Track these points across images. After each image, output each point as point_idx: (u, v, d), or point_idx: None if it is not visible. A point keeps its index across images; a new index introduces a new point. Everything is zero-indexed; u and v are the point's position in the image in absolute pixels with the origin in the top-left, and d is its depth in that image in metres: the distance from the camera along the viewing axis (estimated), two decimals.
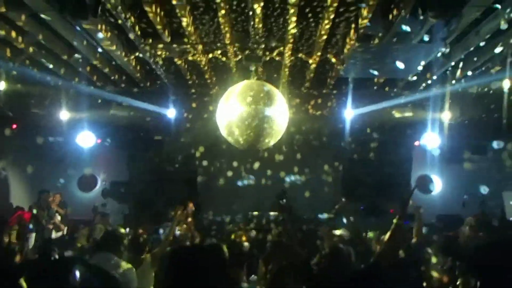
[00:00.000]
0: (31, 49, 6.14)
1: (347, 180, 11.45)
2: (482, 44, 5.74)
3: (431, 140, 8.94)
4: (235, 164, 11.82)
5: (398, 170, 11.01)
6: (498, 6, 4.75)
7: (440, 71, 6.84)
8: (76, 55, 6.46)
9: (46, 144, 10.21)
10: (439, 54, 5.86)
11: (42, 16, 4.97)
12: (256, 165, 11.74)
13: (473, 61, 6.38)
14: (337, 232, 5.78)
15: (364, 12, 5.04)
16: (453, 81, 7.20)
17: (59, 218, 9.62)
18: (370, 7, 4.87)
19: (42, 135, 10.02)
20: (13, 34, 5.57)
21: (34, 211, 9.33)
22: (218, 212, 10.54)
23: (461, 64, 6.69)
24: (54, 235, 8.81)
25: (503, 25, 4.96)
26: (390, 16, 5.18)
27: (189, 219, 6.34)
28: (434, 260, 4.50)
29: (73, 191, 12.02)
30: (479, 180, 10.45)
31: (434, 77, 7.20)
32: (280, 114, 5.62)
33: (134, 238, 5.29)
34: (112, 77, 7.66)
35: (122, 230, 5.19)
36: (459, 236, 6.93)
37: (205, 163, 12.08)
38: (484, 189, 10.13)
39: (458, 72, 6.89)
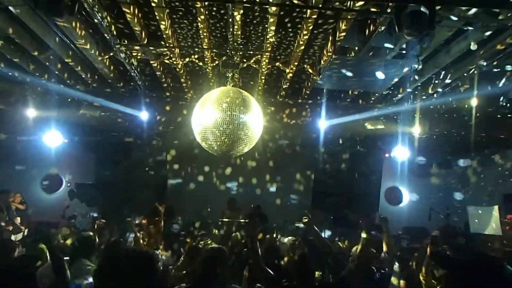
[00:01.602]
0: None
1: (318, 189, 11.56)
2: (452, 62, 5.96)
3: (401, 153, 9.15)
4: (206, 169, 11.75)
5: (368, 181, 11.21)
6: (469, 28, 4.93)
7: (412, 86, 7.03)
8: (47, 53, 6.24)
9: (9, 141, 9.82)
10: (411, 70, 6.01)
11: (13, 10, 4.80)
12: (228, 170, 11.71)
13: (444, 78, 6.59)
14: (285, 239, 5.88)
15: (342, 26, 5.12)
16: (424, 97, 7.41)
17: (19, 219, 9.25)
18: (348, 21, 4.96)
19: (6, 132, 9.63)
20: None
21: None
22: (188, 217, 10.39)
23: (432, 81, 6.90)
24: (13, 237, 8.43)
25: (473, 46, 5.15)
26: (367, 31, 5.29)
27: (157, 225, 6.22)
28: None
29: (36, 192, 11.61)
30: (445, 193, 10.81)
31: (406, 92, 7.39)
32: (255, 121, 5.61)
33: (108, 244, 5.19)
34: (84, 76, 7.44)
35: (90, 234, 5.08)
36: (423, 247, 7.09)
37: (176, 167, 11.94)
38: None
39: (429, 89, 7.11)
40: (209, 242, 5.65)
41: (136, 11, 5.09)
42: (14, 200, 9.63)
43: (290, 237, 6.02)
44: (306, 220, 4.85)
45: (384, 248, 4.91)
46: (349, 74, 6.11)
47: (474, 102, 6.58)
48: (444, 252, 5.20)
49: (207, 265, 3.32)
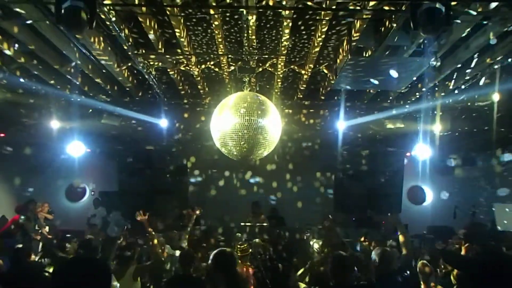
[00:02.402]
0: (22, 59, 6.08)
1: (339, 190, 11.48)
2: (472, 57, 5.85)
3: (422, 151, 9.02)
4: (226, 173, 11.81)
5: (390, 181, 11.07)
6: (487, 22, 4.84)
7: (431, 83, 6.93)
8: (69, 65, 6.41)
9: (35, 153, 10.10)
10: (430, 67, 5.93)
11: (35, 25, 4.96)
12: (248, 174, 11.75)
13: (463, 74, 6.48)
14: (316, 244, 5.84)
15: (357, 26, 5.10)
16: (444, 94, 7.29)
17: (47, 228, 9.50)
18: (363, 20, 4.94)
19: (31, 144, 9.92)
20: (5, 44, 5.52)
21: (21, 221, 9.20)
22: (211, 222, 10.47)
23: (452, 77, 6.79)
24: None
25: (492, 40, 5.06)
26: (382, 30, 5.26)
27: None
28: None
29: (61, 201, 11.88)
30: (469, 191, 10.58)
31: (425, 89, 7.28)
32: (274, 125, 5.64)
33: (121, 251, 5.28)
34: (104, 87, 7.61)
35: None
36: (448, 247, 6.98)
37: (196, 173, 12.05)
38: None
39: (449, 85, 6.99)
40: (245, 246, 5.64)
41: (152, 21, 5.19)
42: (42, 210, 9.90)
43: (317, 240, 5.99)
44: (328, 224, 4.86)
45: (403, 251, 4.81)
46: (366, 73, 6.07)
47: (496, 97, 6.44)
48: (455, 251, 5.10)
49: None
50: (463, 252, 4.34)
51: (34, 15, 4.62)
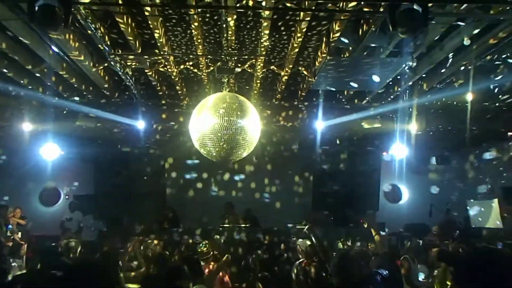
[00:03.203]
0: None
1: (317, 190, 11.57)
2: (446, 58, 5.98)
3: (399, 151, 9.17)
4: (205, 175, 11.72)
5: (367, 180, 11.23)
6: (461, 23, 4.96)
7: (407, 84, 7.05)
8: (42, 66, 6.22)
9: (6, 156, 9.78)
10: (406, 68, 6.03)
11: (5, 24, 4.79)
12: (226, 176, 11.69)
13: (438, 74, 6.62)
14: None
15: (335, 27, 5.14)
16: (420, 94, 7.44)
17: (19, 234, 9.20)
18: (341, 21, 4.98)
19: (2, 147, 9.60)
20: None
21: None
22: (189, 225, 10.36)
23: (427, 77, 6.93)
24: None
25: (466, 41, 5.18)
26: (360, 31, 5.31)
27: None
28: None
29: (34, 206, 11.54)
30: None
31: (402, 90, 7.41)
32: (253, 126, 5.61)
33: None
34: (79, 88, 7.42)
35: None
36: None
37: (174, 174, 11.91)
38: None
39: (424, 85, 7.14)
40: (203, 248, 5.63)
41: (130, 21, 5.09)
42: (14, 215, 9.58)
43: (302, 240, 5.98)
44: (308, 226, 4.90)
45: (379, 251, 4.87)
46: (344, 74, 6.13)
47: (469, 96, 6.61)
48: (450, 250, 5.22)
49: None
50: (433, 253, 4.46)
51: (5, 13, 4.46)
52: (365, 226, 5.24)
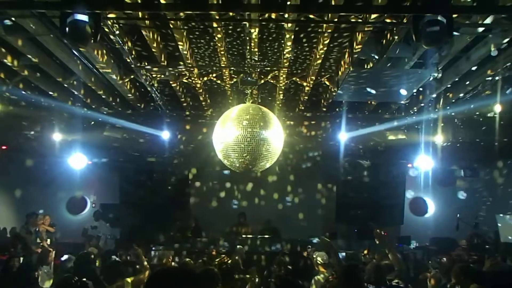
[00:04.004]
0: (26, 71, 6.12)
1: (341, 201, 11.43)
2: (473, 69, 5.88)
3: (424, 162, 9.00)
4: (227, 185, 11.79)
5: (391, 192, 11.03)
6: (487, 34, 4.87)
7: (432, 94, 6.95)
8: (72, 78, 6.45)
9: (36, 166, 10.10)
10: (431, 79, 5.95)
11: (38, 39, 5.00)
12: (249, 186, 11.72)
13: (465, 85, 6.50)
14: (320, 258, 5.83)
15: (358, 38, 5.13)
16: (445, 105, 7.31)
17: (48, 241, 9.44)
18: (364, 33, 4.97)
19: (33, 157, 9.92)
20: (9, 57, 5.56)
21: (22, 234, 9.16)
22: (212, 234, 10.43)
23: (453, 88, 6.81)
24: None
25: (493, 52, 5.08)
26: (384, 42, 5.29)
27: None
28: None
29: (62, 214, 11.83)
30: (472, 202, 10.52)
31: (427, 101, 7.30)
32: (276, 137, 5.64)
33: (108, 264, 5.25)
34: (107, 99, 7.64)
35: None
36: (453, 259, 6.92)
37: (198, 184, 12.03)
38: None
39: (450, 96, 7.01)
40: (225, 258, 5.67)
41: (155, 34, 5.23)
42: (44, 222, 9.86)
43: (319, 253, 5.95)
44: (326, 242, 4.92)
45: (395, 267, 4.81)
46: (367, 85, 6.09)
47: (497, 108, 6.45)
48: (475, 267, 5.08)
49: None
50: (486, 267, 4.34)
51: (38, 29, 4.66)
52: (377, 242, 5.19)
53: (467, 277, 4.36)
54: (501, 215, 9.37)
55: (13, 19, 4.39)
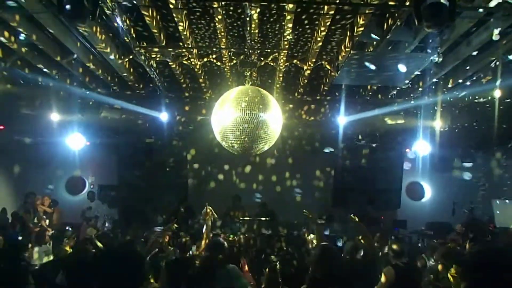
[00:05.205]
0: (23, 50, 6.06)
1: (338, 185, 11.49)
2: (473, 54, 5.84)
3: (422, 148, 9.02)
4: (226, 167, 11.81)
5: (389, 177, 11.09)
6: (489, 18, 4.83)
7: (432, 79, 6.92)
8: (69, 57, 6.39)
9: (34, 145, 10.08)
10: (431, 63, 5.92)
11: (35, 16, 4.93)
12: (248, 169, 11.75)
13: (465, 70, 6.48)
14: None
15: (360, 21, 5.08)
16: (445, 90, 7.29)
17: (47, 222, 9.49)
18: (366, 15, 4.92)
19: (31, 136, 9.89)
20: (6, 34, 5.49)
21: (20, 214, 9.20)
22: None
23: (453, 73, 6.78)
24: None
25: (495, 37, 5.04)
26: (385, 25, 5.24)
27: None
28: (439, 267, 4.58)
29: (61, 194, 11.87)
30: (468, 188, 10.60)
31: (426, 85, 7.28)
32: (275, 120, 5.63)
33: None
34: (105, 80, 7.59)
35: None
36: (448, 243, 7.01)
37: (196, 166, 12.05)
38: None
39: (450, 81, 6.99)
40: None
41: (155, 14, 5.16)
42: (43, 203, 9.89)
43: (313, 236, 6.04)
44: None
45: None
46: (368, 69, 6.06)
47: (497, 93, 6.44)
48: (457, 249, 5.17)
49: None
50: (467, 249, 4.42)
51: (35, 6, 4.60)
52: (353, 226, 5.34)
53: (448, 259, 4.45)
54: (497, 200, 9.46)
55: None
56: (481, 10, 4.44)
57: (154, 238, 5.46)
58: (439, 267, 4.59)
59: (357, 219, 5.09)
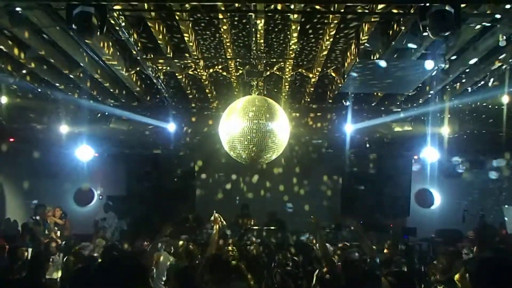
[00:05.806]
0: (32, 64, 6.15)
1: (346, 193, 11.43)
2: (480, 60, 5.82)
3: (430, 154, 8.96)
4: (233, 177, 11.81)
5: (398, 184, 11.01)
6: (496, 24, 4.82)
7: (439, 86, 6.90)
8: (78, 70, 6.47)
9: (43, 158, 10.17)
10: (438, 70, 5.90)
11: (44, 31, 5.01)
12: (255, 178, 11.74)
13: (472, 76, 6.45)
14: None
15: (365, 29, 5.10)
16: (452, 96, 7.26)
17: (58, 233, 9.53)
18: (371, 23, 4.93)
19: (40, 149, 9.99)
20: (15, 50, 5.58)
21: (30, 225, 9.26)
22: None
23: (460, 79, 6.76)
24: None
25: (501, 42, 5.02)
26: (390, 32, 5.25)
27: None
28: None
29: (69, 205, 11.93)
30: (478, 194, 10.49)
31: (433, 92, 7.25)
32: (282, 129, 5.64)
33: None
34: (113, 92, 7.67)
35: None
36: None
37: (203, 176, 12.07)
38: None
39: (457, 87, 6.96)
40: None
41: (161, 26, 5.23)
42: (54, 214, 9.94)
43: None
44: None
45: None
46: (374, 77, 6.06)
47: (505, 99, 6.40)
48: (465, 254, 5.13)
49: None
50: (473, 253, 4.36)
51: (44, 21, 4.67)
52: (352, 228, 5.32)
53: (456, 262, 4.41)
54: (507, 206, 9.35)
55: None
56: (488, 12, 4.42)
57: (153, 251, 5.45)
58: (456, 276, 4.52)
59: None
